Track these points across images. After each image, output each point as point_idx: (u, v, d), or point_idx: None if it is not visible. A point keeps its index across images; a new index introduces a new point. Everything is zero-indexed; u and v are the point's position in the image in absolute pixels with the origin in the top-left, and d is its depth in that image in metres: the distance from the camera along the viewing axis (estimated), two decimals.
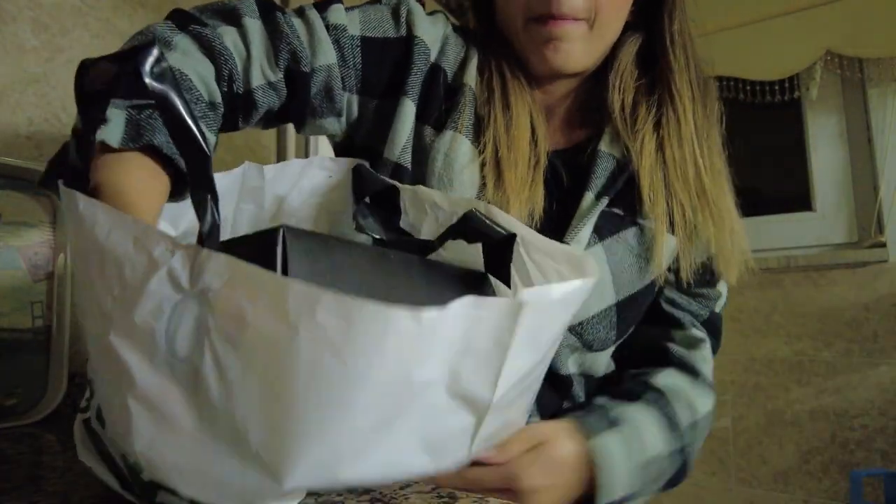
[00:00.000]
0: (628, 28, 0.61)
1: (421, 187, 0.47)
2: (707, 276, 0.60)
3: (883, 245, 1.61)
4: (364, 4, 0.59)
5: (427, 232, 0.46)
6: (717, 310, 0.66)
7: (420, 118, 0.57)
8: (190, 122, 0.28)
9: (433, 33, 0.59)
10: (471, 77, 0.58)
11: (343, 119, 0.57)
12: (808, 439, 1.66)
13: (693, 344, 0.61)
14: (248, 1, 0.52)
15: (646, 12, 0.60)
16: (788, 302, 1.73)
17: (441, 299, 0.38)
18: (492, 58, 0.60)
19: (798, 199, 1.83)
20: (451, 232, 0.42)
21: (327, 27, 0.54)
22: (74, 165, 0.32)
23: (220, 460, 0.24)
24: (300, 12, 0.55)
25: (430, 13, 0.62)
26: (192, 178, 0.29)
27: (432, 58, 0.58)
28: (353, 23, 0.56)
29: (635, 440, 0.51)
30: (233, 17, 0.50)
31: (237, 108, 0.50)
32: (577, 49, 0.56)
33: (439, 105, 0.57)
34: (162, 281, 0.25)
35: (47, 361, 0.77)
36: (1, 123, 0.82)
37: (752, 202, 1.92)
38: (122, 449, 0.28)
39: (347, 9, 0.57)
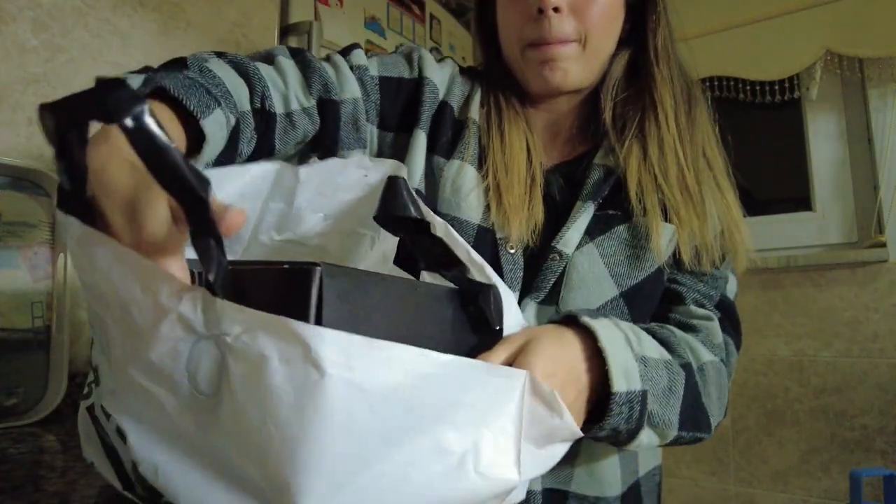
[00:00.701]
0: (621, 44, 0.65)
1: (451, 230, 0.46)
2: (707, 264, 0.61)
3: (883, 245, 1.61)
4: (381, 54, 0.67)
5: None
6: (728, 294, 0.67)
7: (430, 149, 0.63)
8: (182, 164, 0.25)
9: (442, 75, 0.66)
10: (475, 111, 0.65)
11: (367, 152, 0.63)
12: (808, 439, 1.66)
13: (697, 316, 0.62)
14: (279, 47, 0.59)
15: (635, 28, 0.65)
16: (788, 302, 1.73)
17: (465, 334, 0.39)
18: (491, 91, 0.66)
19: (798, 199, 1.83)
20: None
21: (351, 67, 0.61)
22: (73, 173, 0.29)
23: (227, 496, 0.24)
24: (327, 58, 0.62)
25: (440, 59, 0.69)
26: (191, 224, 0.26)
27: (441, 95, 0.65)
28: (372, 66, 0.63)
29: (626, 333, 0.49)
30: (266, 57, 0.56)
31: (272, 127, 0.53)
32: (573, 68, 0.60)
33: (447, 137, 0.63)
34: (173, 326, 0.25)
35: (47, 361, 0.77)
36: (1, 123, 0.82)
37: (753, 202, 1.92)
38: (132, 456, 0.28)
39: (367, 55, 0.64)
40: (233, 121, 0.46)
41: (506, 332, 0.42)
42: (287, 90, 0.54)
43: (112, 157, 0.29)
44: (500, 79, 0.67)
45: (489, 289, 0.40)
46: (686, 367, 0.53)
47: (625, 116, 0.64)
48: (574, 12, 0.58)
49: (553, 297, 0.58)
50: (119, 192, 0.28)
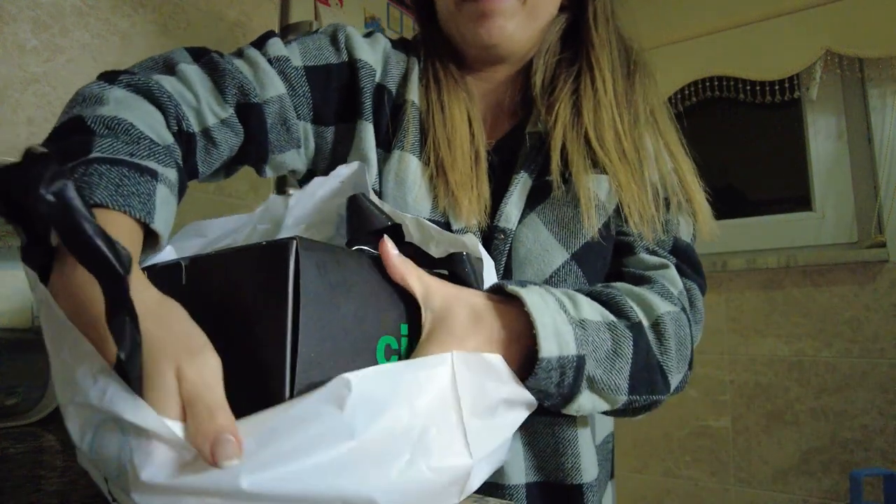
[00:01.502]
0: (561, 11, 0.62)
1: (421, 219, 0.44)
2: (648, 228, 0.56)
3: (883, 245, 1.61)
4: (301, 37, 0.60)
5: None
6: (684, 237, 0.60)
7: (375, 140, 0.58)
8: (98, 240, 0.24)
9: (374, 54, 0.60)
10: (413, 91, 0.59)
11: (302, 151, 0.58)
12: (808, 439, 1.66)
13: (651, 266, 0.57)
14: (177, 50, 0.52)
15: None
16: (788, 302, 1.73)
17: None
18: (429, 61, 0.61)
19: (798, 199, 1.83)
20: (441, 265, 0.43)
21: (269, 60, 0.54)
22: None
23: None
24: (238, 53, 0.55)
25: (367, 34, 0.62)
26: (107, 300, 0.25)
27: (377, 78, 0.59)
28: (293, 55, 0.56)
29: (564, 298, 0.44)
30: (166, 66, 0.50)
31: (193, 149, 0.48)
32: (510, 25, 0.56)
33: (386, 126, 0.58)
34: (82, 405, 0.27)
35: (47, 361, 0.77)
36: (1, 123, 0.82)
37: (752, 202, 1.93)
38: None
39: (285, 42, 0.58)
40: (173, 175, 0.41)
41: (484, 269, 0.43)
42: (199, 104, 0.48)
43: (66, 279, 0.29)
44: (437, 46, 0.62)
45: (460, 255, 0.40)
46: (634, 326, 0.47)
47: (555, 79, 0.60)
48: None
49: (507, 276, 0.54)
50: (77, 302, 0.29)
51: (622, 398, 0.46)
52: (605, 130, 0.57)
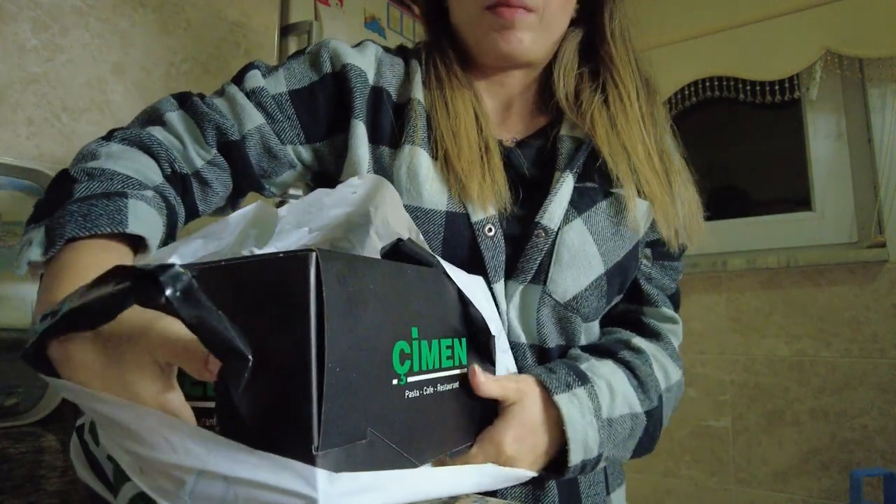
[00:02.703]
0: (571, 25, 0.65)
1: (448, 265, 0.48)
2: (675, 245, 0.63)
3: (883, 245, 1.61)
4: (288, 60, 0.63)
5: None
6: (677, 285, 0.69)
7: (373, 140, 0.59)
8: (219, 326, 0.27)
9: (364, 59, 0.61)
10: (418, 91, 0.61)
11: (298, 168, 0.60)
12: (808, 439, 1.66)
13: (666, 319, 0.64)
14: (164, 100, 0.56)
15: (587, 10, 0.65)
16: (788, 302, 1.73)
17: (449, 306, 0.42)
18: (431, 64, 0.63)
19: (798, 199, 1.83)
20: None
21: (246, 94, 0.57)
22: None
23: None
24: (220, 91, 0.58)
25: (357, 45, 0.64)
26: (226, 376, 0.29)
27: (371, 80, 0.61)
28: (276, 83, 0.59)
29: (600, 396, 0.51)
30: (155, 117, 0.54)
31: (190, 188, 0.52)
32: (527, 38, 0.59)
33: (391, 124, 0.59)
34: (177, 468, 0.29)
35: None
36: (1, 123, 0.82)
37: (752, 202, 1.93)
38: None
39: (270, 70, 0.61)
40: (150, 193, 0.44)
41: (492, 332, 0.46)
42: (185, 149, 0.52)
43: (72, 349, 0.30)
44: (443, 49, 0.64)
45: (487, 334, 0.45)
46: (651, 412, 0.56)
47: (580, 93, 0.63)
48: None
49: (540, 277, 0.55)
50: (93, 369, 0.30)
51: (624, 461, 0.58)
52: (636, 144, 0.60)
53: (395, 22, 1.68)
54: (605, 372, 0.54)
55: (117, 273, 0.27)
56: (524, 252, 0.55)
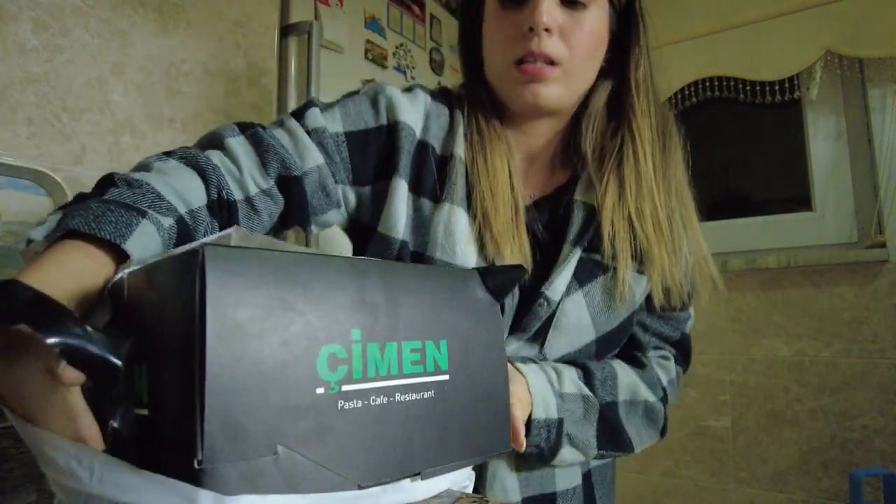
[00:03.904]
0: (602, 75, 0.67)
1: None
2: (676, 301, 0.66)
3: (883, 245, 1.61)
4: (343, 99, 0.64)
5: None
6: (687, 331, 0.72)
7: (416, 191, 0.62)
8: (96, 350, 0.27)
9: (415, 113, 0.64)
10: (459, 146, 0.64)
11: (343, 209, 0.63)
12: (807, 439, 1.66)
13: (658, 357, 0.70)
14: (226, 126, 0.57)
15: (617, 60, 0.67)
16: (788, 302, 1.73)
17: (431, 304, 0.39)
18: (472, 115, 0.66)
19: (798, 199, 1.83)
20: None
21: (308, 132, 0.59)
22: None
23: None
24: (280, 123, 0.60)
25: (408, 89, 0.66)
26: (99, 389, 0.29)
27: (417, 135, 0.63)
28: (333, 121, 0.61)
29: (548, 373, 0.59)
30: (216, 142, 0.55)
31: (235, 215, 0.53)
32: (552, 90, 0.61)
33: (433, 177, 0.62)
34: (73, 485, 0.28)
35: None
36: (1, 123, 0.82)
37: (752, 202, 1.93)
38: None
39: (327, 106, 0.63)
40: (169, 222, 0.44)
41: None
42: (242, 175, 0.53)
43: None
44: (482, 98, 0.67)
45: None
46: (607, 405, 0.62)
47: (604, 147, 0.65)
48: (562, 35, 0.60)
49: (538, 338, 0.61)
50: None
51: (593, 452, 0.61)
52: (644, 203, 0.63)
53: (395, 22, 1.68)
54: (555, 364, 0.62)
55: None
56: (528, 315, 0.61)
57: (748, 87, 1.84)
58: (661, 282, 0.62)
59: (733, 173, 1.96)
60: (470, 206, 0.62)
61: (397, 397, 0.34)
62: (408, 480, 0.35)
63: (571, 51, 0.60)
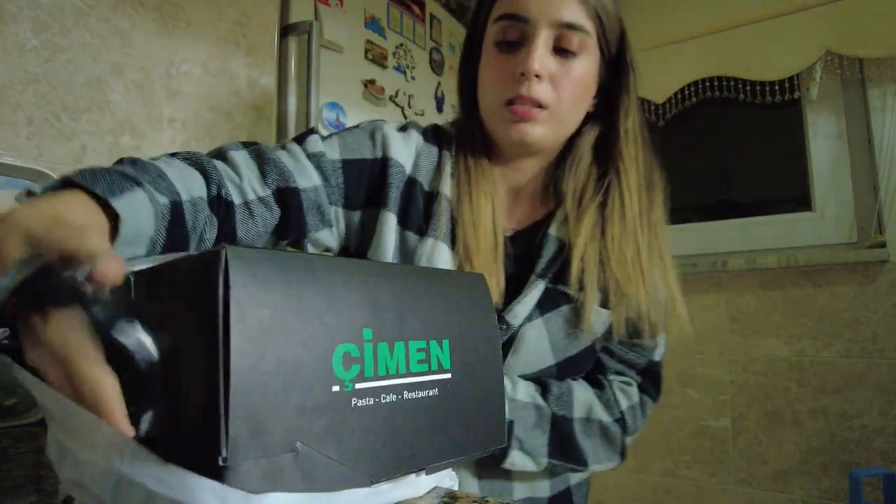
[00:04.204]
0: (590, 118, 0.70)
1: None
2: (641, 333, 0.67)
3: (883, 245, 1.61)
4: (342, 131, 0.69)
5: None
6: (656, 358, 0.72)
7: (403, 224, 0.66)
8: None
9: (407, 151, 0.68)
10: (445, 185, 0.68)
11: (335, 230, 0.65)
12: (807, 439, 1.66)
13: (620, 381, 0.70)
14: (231, 143, 0.60)
15: (607, 106, 0.70)
16: (788, 302, 1.73)
17: (432, 304, 0.40)
18: (462, 154, 0.70)
19: (798, 199, 1.83)
20: None
21: (308, 156, 0.62)
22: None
23: None
24: (282, 146, 0.63)
25: (403, 128, 0.71)
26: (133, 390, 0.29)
27: (407, 172, 0.68)
28: (332, 149, 0.65)
29: (507, 382, 0.60)
30: (220, 154, 0.58)
31: (232, 214, 0.54)
32: (539, 130, 0.65)
33: (419, 212, 0.66)
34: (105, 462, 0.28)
35: None
36: (1, 123, 0.82)
37: (752, 202, 1.93)
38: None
39: (327, 136, 0.67)
40: (164, 200, 0.45)
41: None
42: (241, 182, 0.55)
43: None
44: (474, 135, 0.71)
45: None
46: (560, 418, 0.63)
47: (585, 188, 0.69)
48: (551, 81, 0.64)
49: None
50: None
51: (544, 460, 0.62)
52: (627, 245, 0.65)
53: (395, 22, 1.68)
54: (514, 377, 0.63)
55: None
56: None
57: (748, 87, 1.84)
58: (633, 316, 0.65)
59: (733, 173, 1.96)
60: (454, 242, 0.65)
61: (405, 395, 0.35)
62: (413, 475, 0.36)
63: (559, 96, 0.64)
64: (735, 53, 1.83)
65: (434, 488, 0.39)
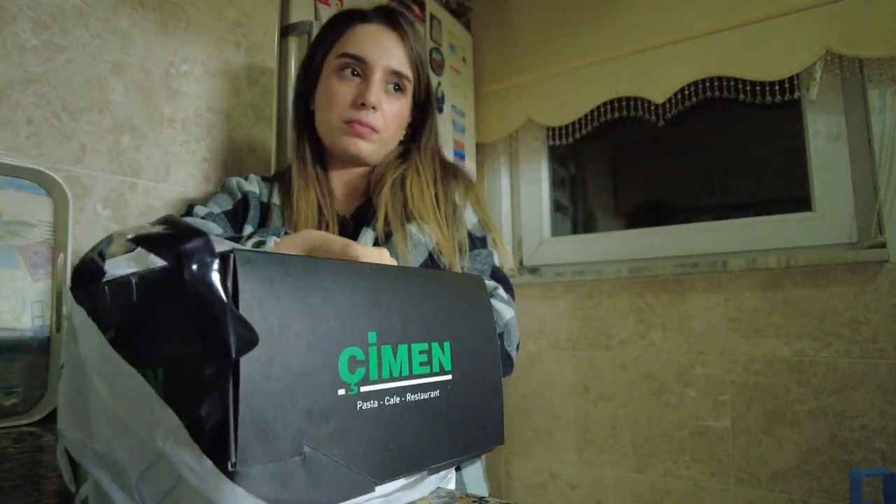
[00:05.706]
0: (401, 143, 0.99)
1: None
2: (465, 248, 0.88)
3: (883, 245, 1.61)
4: (214, 195, 0.94)
5: None
6: (497, 263, 0.92)
7: (254, 226, 0.90)
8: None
9: (253, 187, 0.96)
10: (275, 198, 0.93)
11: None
12: (807, 439, 1.66)
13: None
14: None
15: (411, 135, 1.00)
16: (788, 302, 1.73)
17: (432, 306, 0.40)
18: (288, 173, 0.95)
19: (798, 199, 1.83)
20: None
21: (203, 217, 0.87)
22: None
23: None
24: (184, 214, 0.90)
25: (245, 177, 0.98)
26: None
27: (259, 196, 0.94)
28: (215, 207, 0.90)
29: None
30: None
31: None
32: (370, 147, 0.92)
33: (260, 218, 0.92)
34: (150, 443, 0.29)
35: (47, 361, 0.77)
36: (1, 123, 0.82)
37: (752, 202, 1.93)
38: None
39: (205, 205, 0.91)
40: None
41: None
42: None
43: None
44: (305, 154, 0.95)
45: None
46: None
47: (385, 175, 0.92)
48: (382, 112, 0.90)
49: None
50: None
51: None
52: (425, 201, 0.88)
53: None
54: None
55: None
56: None
57: (748, 87, 1.83)
58: (441, 242, 0.85)
59: (733, 173, 1.96)
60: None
61: (408, 397, 0.36)
62: (418, 478, 0.36)
63: (386, 124, 0.91)
64: (735, 53, 1.83)
65: (437, 489, 0.40)
